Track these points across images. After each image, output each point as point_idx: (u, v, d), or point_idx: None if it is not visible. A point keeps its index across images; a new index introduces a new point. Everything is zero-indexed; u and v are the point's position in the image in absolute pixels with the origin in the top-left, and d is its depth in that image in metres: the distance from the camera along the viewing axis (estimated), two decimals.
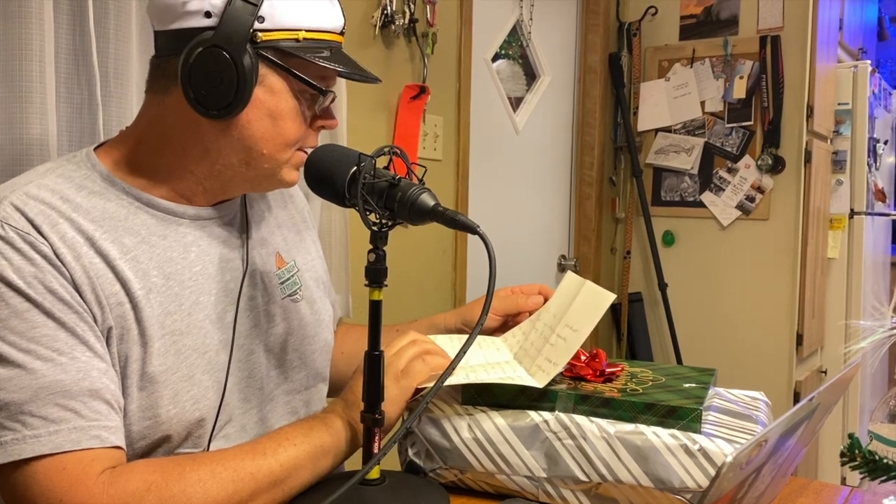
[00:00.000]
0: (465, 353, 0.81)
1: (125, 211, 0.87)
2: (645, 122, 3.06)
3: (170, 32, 0.85)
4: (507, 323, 1.12)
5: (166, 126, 0.88)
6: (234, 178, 0.90)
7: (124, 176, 0.89)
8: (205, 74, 0.83)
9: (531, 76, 2.79)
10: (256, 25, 0.83)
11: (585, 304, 0.98)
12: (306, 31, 0.85)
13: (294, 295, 1.01)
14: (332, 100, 0.91)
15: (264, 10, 0.83)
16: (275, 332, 0.98)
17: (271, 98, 0.86)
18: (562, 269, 2.97)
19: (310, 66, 0.86)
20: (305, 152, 0.92)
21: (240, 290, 0.94)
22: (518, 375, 0.94)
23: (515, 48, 2.69)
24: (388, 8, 1.95)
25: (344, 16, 0.91)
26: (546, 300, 1.10)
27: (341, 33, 0.91)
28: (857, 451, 0.78)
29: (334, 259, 1.74)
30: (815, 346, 3.07)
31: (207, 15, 0.83)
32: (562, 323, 0.98)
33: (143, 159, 0.90)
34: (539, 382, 0.92)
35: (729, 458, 0.54)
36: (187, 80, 0.83)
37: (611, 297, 0.97)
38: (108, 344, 0.81)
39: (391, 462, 0.92)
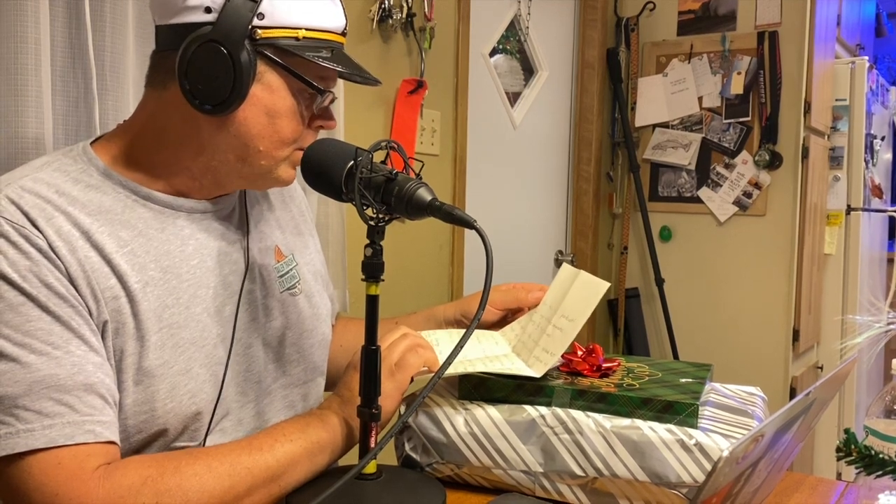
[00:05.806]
0: (462, 346, 0.81)
1: (122, 205, 0.87)
2: (642, 117, 3.06)
3: (170, 27, 0.85)
4: (507, 318, 1.12)
5: (164, 121, 0.88)
6: (229, 175, 0.90)
7: (121, 170, 0.89)
8: (202, 69, 0.83)
9: (529, 71, 2.79)
10: (256, 22, 0.83)
11: (580, 294, 0.99)
12: (306, 29, 0.85)
13: (293, 289, 1.01)
14: (332, 100, 0.91)
15: (264, 8, 0.83)
16: (273, 325, 0.98)
17: (269, 96, 0.86)
18: (559, 264, 2.97)
19: (309, 65, 0.86)
20: (303, 151, 0.92)
21: (242, 283, 0.93)
22: (516, 367, 0.95)
23: (513, 43, 2.68)
24: (386, 2, 1.95)
25: (346, 16, 0.91)
26: None
27: (343, 34, 0.91)
28: (852, 447, 0.78)
29: (331, 254, 1.74)
30: (812, 341, 3.07)
31: (207, 10, 0.83)
32: (558, 314, 0.99)
33: (140, 154, 0.90)
34: (536, 372, 0.92)
35: (725, 453, 0.54)
36: (184, 74, 0.83)
37: (605, 286, 0.97)
38: (103, 338, 0.81)
39: (388, 457, 0.92)
